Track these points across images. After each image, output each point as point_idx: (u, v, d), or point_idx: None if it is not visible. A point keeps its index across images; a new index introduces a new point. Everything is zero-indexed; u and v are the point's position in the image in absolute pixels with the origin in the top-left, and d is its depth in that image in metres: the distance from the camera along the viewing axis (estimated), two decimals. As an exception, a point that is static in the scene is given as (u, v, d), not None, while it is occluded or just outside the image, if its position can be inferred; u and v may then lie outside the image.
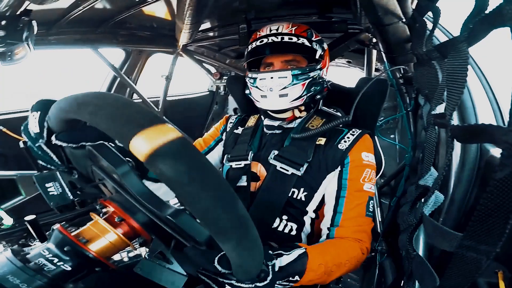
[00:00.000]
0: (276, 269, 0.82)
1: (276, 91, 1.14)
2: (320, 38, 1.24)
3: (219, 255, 0.67)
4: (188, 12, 1.44)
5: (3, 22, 1.12)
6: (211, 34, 2.22)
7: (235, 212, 0.47)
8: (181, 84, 3.31)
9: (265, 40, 1.17)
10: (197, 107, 3.38)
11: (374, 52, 1.86)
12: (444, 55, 0.73)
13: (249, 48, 1.22)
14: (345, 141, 1.13)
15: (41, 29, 1.27)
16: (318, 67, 1.20)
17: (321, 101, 1.29)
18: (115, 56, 2.39)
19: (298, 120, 1.24)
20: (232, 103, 3.31)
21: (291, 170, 1.13)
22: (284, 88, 1.14)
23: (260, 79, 1.17)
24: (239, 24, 1.75)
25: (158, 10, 1.76)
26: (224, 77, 3.06)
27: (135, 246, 0.72)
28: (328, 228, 1.08)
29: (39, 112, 0.63)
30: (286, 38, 1.15)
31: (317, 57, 1.20)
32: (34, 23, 1.20)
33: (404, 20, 1.11)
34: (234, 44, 2.47)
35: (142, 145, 0.43)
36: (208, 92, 3.44)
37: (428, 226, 0.63)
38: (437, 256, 0.88)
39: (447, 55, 0.64)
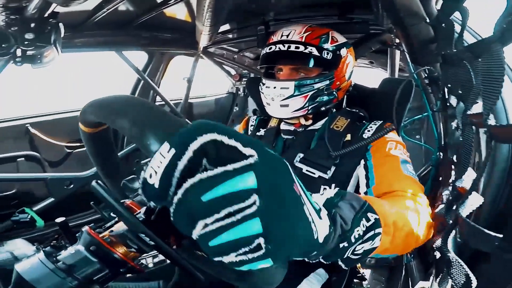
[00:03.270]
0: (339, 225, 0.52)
1: (277, 101, 1.14)
2: (339, 43, 1.19)
3: None
4: (207, 14, 1.45)
5: (32, 25, 1.15)
6: (230, 36, 2.23)
7: None
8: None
9: (273, 48, 1.15)
10: (218, 109, 3.42)
11: (397, 52, 1.81)
12: (476, 55, 0.71)
13: (262, 54, 1.21)
14: (368, 131, 1.12)
15: (67, 32, 1.30)
16: (328, 77, 1.15)
17: (345, 101, 1.27)
18: (137, 59, 2.44)
19: (321, 122, 1.22)
20: (252, 105, 3.31)
21: (318, 173, 1.11)
22: (285, 99, 1.13)
23: (266, 87, 1.17)
24: (257, 25, 1.74)
25: (179, 12, 1.78)
26: (244, 79, 3.07)
27: None
28: None
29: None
30: (292, 47, 1.12)
31: (326, 65, 1.16)
32: (61, 25, 1.24)
33: (427, 20, 1.07)
34: (253, 45, 2.47)
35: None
36: (228, 94, 3.46)
37: (464, 227, 0.61)
38: (467, 257, 0.85)
39: (480, 55, 0.62)
